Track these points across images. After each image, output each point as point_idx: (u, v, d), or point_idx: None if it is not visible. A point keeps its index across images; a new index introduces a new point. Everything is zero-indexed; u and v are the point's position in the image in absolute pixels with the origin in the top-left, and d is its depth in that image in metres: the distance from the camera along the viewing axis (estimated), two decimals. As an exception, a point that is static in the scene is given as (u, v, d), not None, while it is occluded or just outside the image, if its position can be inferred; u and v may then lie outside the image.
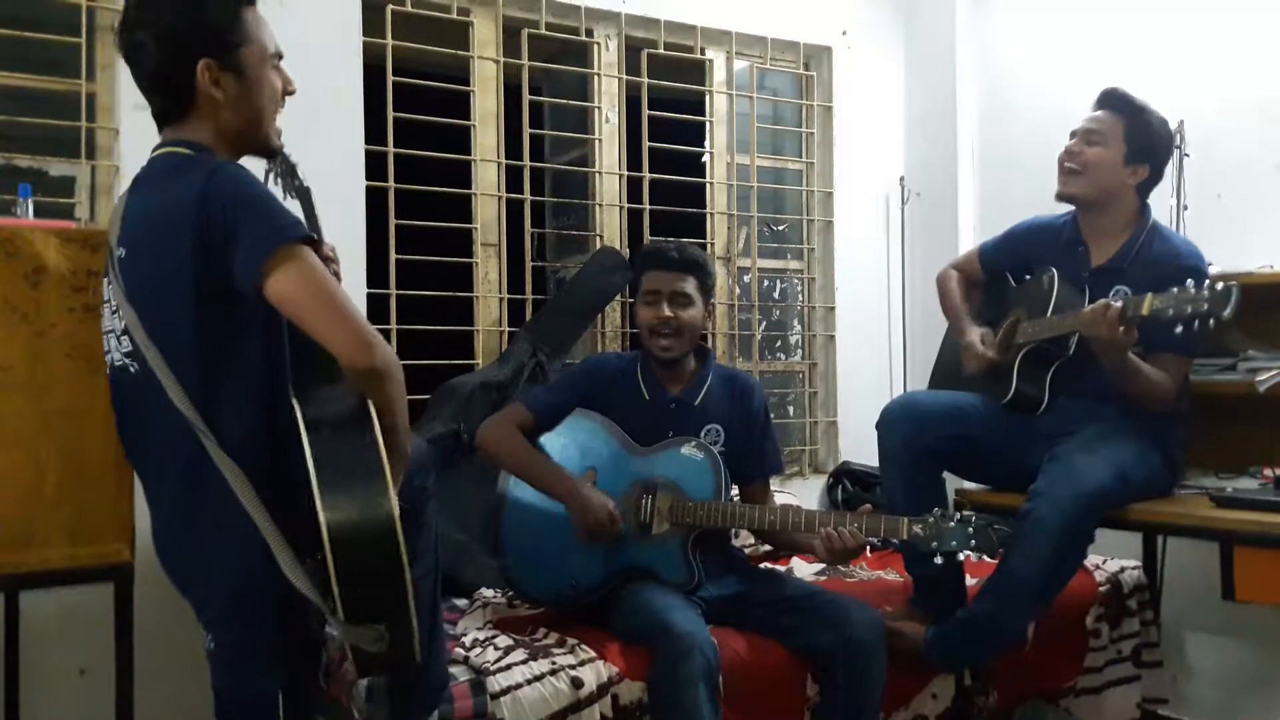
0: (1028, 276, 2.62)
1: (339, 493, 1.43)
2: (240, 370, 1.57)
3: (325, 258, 1.92)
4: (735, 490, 2.65)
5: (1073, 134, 2.56)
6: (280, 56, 1.73)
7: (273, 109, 1.72)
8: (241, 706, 1.63)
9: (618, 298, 3.44)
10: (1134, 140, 2.49)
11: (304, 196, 1.83)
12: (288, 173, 1.89)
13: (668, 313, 2.47)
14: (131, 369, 1.61)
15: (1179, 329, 2.10)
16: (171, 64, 1.61)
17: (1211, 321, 2.05)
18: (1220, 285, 2.04)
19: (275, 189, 1.88)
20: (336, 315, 1.50)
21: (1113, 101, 2.54)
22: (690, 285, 2.50)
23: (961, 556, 2.16)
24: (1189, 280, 2.09)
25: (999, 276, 2.73)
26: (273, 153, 1.77)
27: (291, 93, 1.76)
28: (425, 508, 1.83)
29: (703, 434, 2.50)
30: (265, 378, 1.59)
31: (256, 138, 1.71)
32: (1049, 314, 2.44)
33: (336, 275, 1.89)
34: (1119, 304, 2.18)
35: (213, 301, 1.54)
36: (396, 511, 1.43)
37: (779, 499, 2.81)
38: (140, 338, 1.56)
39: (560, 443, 2.51)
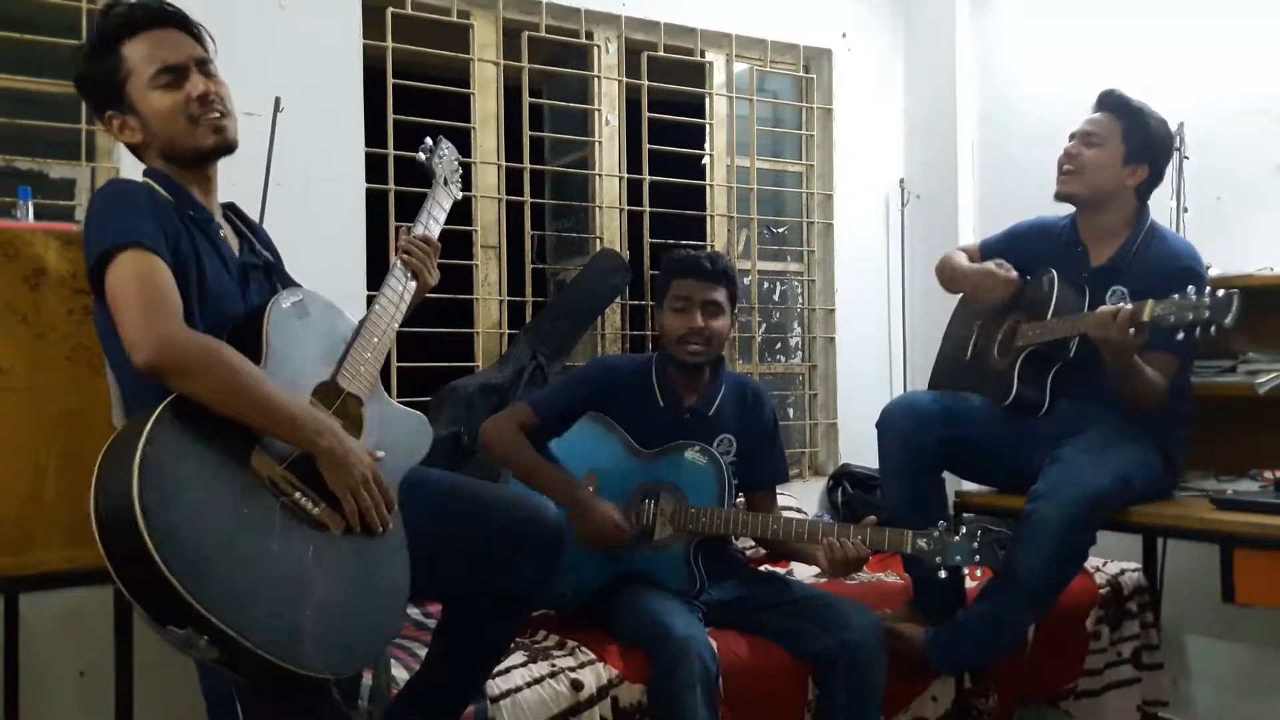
0: (1027, 278, 2.62)
1: (103, 465, 1.43)
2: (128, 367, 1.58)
3: (402, 249, 1.89)
4: (740, 498, 2.64)
5: (1071, 136, 2.55)
6: (172, 69, 1.66)
7: (179, 122, 1.67)
8: (209, 703, 1.65)
9: (617, 300, 3.44)
10: (1132, 141, 2.48)
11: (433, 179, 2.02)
12: (426, 165, 2.07)
13: (700, 322, 2.46)
14: None
15: (1180, 335, 2.09)
16: (102, 121, 1.74)
17: (1213, 329, 2.04)
18: (1221, 292, 2.03)
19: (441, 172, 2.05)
20: (128, 313, 1.51)
21: (1111, 103, 2.53)
22: (721, 295, 2.49)
23: (965, 570, 2.15)
24: (1190, 286, 2.08)
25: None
26: (211, 153, 1.73)
27: (203, 97, 1.67)
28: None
29: (715, 444, 2.48)
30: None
31: (185, 149, 1.70)
32: (1049, 316, 2.43)
33: (410, 267, 1.87)
34: (1129, 307, 2.16)
35: (104, 302, 1.58)
36: (136, 488, 1.35)
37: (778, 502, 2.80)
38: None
39: (563, 445, 2.50)
